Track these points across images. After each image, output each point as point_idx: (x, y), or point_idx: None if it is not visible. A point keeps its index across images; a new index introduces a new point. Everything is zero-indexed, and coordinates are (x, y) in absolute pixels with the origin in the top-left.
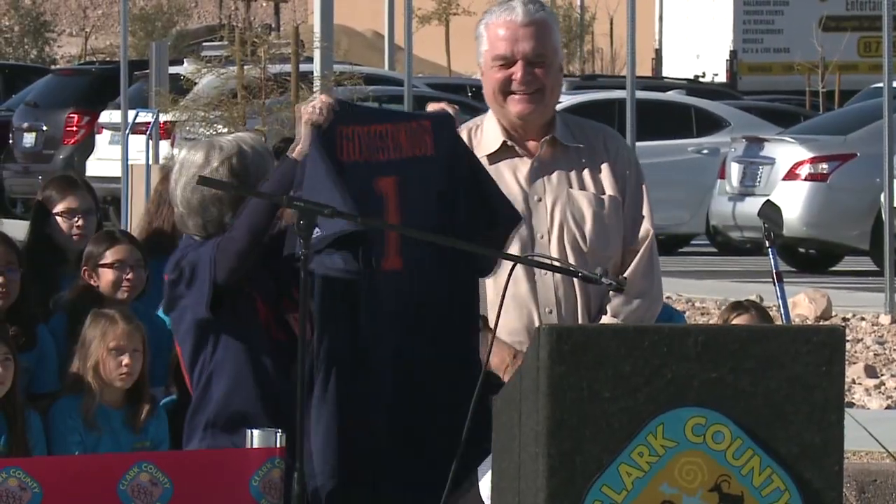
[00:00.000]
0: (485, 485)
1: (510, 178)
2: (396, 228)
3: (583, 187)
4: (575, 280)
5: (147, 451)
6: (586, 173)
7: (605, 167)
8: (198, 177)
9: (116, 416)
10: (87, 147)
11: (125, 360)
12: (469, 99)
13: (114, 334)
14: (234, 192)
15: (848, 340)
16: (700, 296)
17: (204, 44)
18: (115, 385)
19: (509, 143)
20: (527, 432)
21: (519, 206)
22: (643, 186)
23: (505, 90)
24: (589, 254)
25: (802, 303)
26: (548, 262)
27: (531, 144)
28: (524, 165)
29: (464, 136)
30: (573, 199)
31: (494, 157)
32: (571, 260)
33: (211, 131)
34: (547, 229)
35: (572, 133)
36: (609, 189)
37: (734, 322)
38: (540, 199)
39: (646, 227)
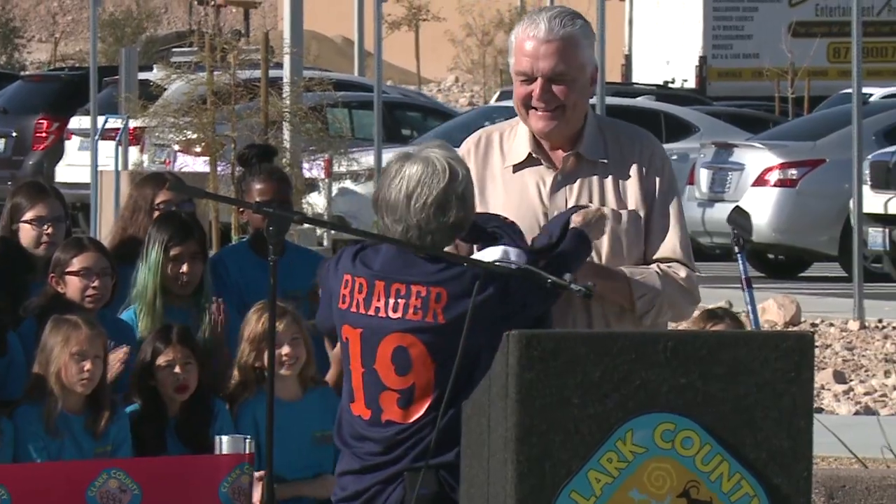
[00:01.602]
0: None
1: (533, 189)
2: (368, 236)
3: (603, 202)
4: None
5: (108, 454)
6: (609, 187)
7: (631, 179)
8: (170, 182)
9: (77, 422)
10: (56, 153)
11: (87, 365)
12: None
13: (76, 340)
14: (203, 198)
15: (817, 346)
16: None
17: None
18: (76, 391)
19: (534, 154)
20: (496, 438)
21: (539, 219)
22: (674, 198)
23: (527, 104)
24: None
25: (772, 308)
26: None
27: (558, 154)
28: (549, 177)
29: (495, 138)
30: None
31: (521, 166)
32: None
33: (180, 137)
34: None
35: (604, 143)
36: (631, 203)
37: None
38: (557, 214)
39: (672, 240)
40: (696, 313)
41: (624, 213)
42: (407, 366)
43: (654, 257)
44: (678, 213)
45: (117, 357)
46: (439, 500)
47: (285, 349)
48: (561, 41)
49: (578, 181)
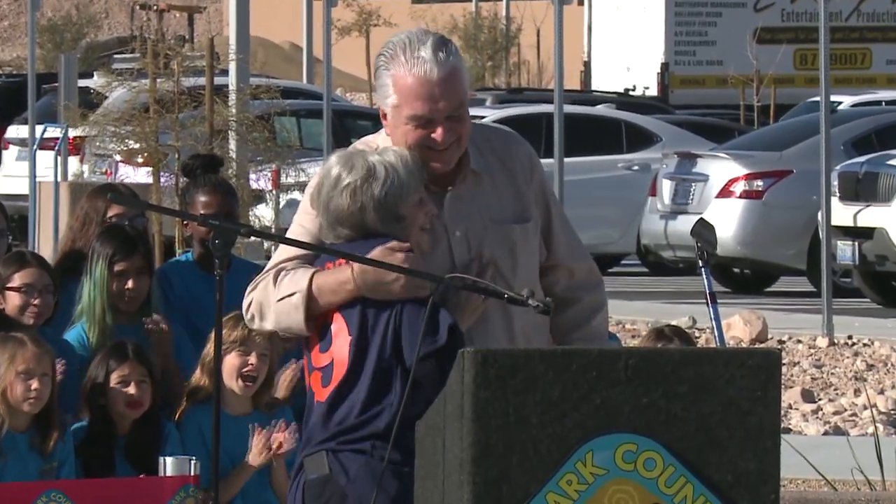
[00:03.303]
0: None
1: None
2: (317, 249)
3: (501, 215)
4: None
5: (54, 472)
6: (503, 198)
7: (517, 186)
8: (112, 194)
9: (22, 440)
10: None
11: (34, 384)
12: None
13: (23, 358)
14: (145, 210)
15: (784, 364)
16: (631, 317)
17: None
18: (23, 410)
19: None
20: (451, 459)
21: (441, 242)
22: (555, 198)
23: (422, 145)
24: (517, 288)
25: (737, 325)
26: (471, 283)
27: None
28: (439, 198)
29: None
30: (495, 233)
31: None
32: None
33: (122, 147)
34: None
35: (483, 154)
36: (527, 211)
37: None
38: (462, 237)
39: (578, 244)
40: (644, 332)
41: (527, 224)
42: (328, 342)
43: (563, 263)
44: (563, 212)
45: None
46: (328, 483)
47: (252, 358)
48: (450, 76)
49: (472, 197)
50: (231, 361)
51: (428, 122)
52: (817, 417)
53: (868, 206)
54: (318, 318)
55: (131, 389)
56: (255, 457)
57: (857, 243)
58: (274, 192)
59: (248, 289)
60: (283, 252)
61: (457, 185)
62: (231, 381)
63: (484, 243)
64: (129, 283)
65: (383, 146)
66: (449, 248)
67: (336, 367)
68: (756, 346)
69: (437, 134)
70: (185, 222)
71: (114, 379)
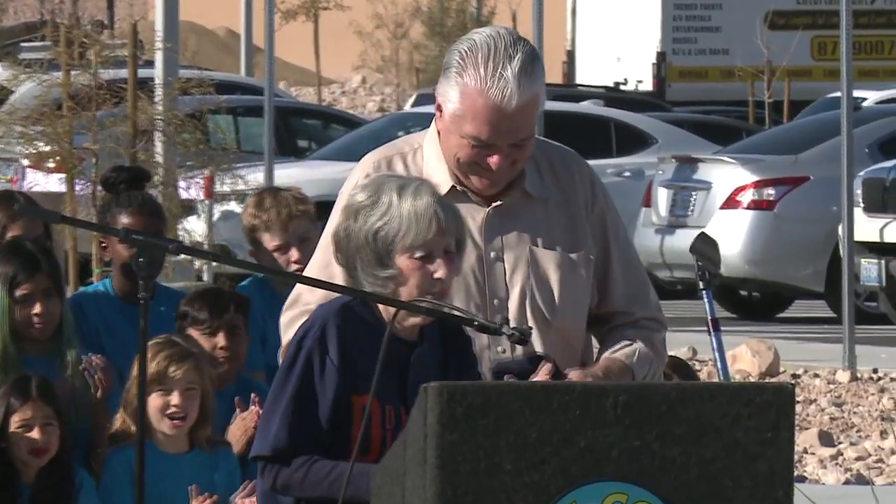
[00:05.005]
0: None
1: None
2: (256, 269)
3: (550, 245)
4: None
5: None
6: (553, 226)
7: (576, 216)
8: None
9: None
10: None
11: None
12: None
13: None
14: (58, 223)
15: (799, 401)
16: None
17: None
18: None
19: (459, 187)
20: None
21: (471, 263)
22: (625, 234)
23: (474, 163)
24: (555, 324)
25: (744, 356)
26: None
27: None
28: (478, 213)
29: (397, 163)
30: (538, 260)
31: None
32: (535, 331)
33: (30, 150)
34: (505, 294)
35: (541, 176)
36: (579, 243)
37: None
38: (497, 258)
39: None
40: None
41: (575, 257)
42: None
43: (628, 311)
44: (637, 255)
45: None
46: None
47: (174, 398)
48: (527, 104)
49: (517, 218)
50: (153, 403)
51: (488, 146)
52: (837, 464)
53: None
54: None
55: (35, 434)
56: None
57: (883, 261)
58: (206, 202)
59: (284, 322)
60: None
61: (503, 200)
62: (158, 422)
63: (518, 269)
64: (36, 308)
65: (427, 147)
66: (484, 275)
67: None
68: (766, 380)
69: (494, 161)
70: (103, 244)
71: (15, 422)
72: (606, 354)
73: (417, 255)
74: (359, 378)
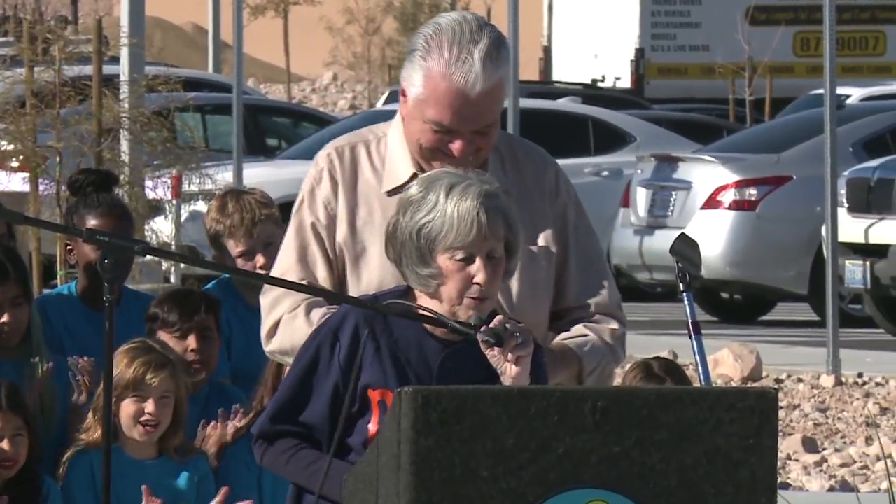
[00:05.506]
0: None
1: None
2: (224, 270)
3: None
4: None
5: None
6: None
7: (539, 209)
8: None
9: None
10: None
11: None
12: None
13: None
14: (21, 224)
15: (782, 407)
16: None
17: None
18: None
19: (421, 175)
20: None
21: None
22: (590, 230)
23: (436, 149)
24: (515, 316)
25: (726, 360)
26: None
27: None
28: None
29: (361, 151)
30: None
31: (400, 189)
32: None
33: None
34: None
35: (504, 166)
36: (542, 238)
37: None
38: None
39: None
40: (626, 368)
41: (535, 249)
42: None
43: (585, 306)
44: (599, 251)
45: None
46: None
47: (149, 406)
48: (491, 90)
49: None
50: (126, 409)
51: (450, 132)
52: (821, 470)
53: (881, 218)
54: None
55: (4, 445)
56: None
57: (868, 263)
58: (174, 201)
59: (264, 332)
60: (290, 273)
61: None
62: (129, 429)
63: None
64: (4, 317)
65: (392, 135)
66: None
67: None
68: (748, 385)
69: (456, 147)
70: (69, 247)
71: None
72: (556, 341)
73: (458, 256)
74: (374, 372)
